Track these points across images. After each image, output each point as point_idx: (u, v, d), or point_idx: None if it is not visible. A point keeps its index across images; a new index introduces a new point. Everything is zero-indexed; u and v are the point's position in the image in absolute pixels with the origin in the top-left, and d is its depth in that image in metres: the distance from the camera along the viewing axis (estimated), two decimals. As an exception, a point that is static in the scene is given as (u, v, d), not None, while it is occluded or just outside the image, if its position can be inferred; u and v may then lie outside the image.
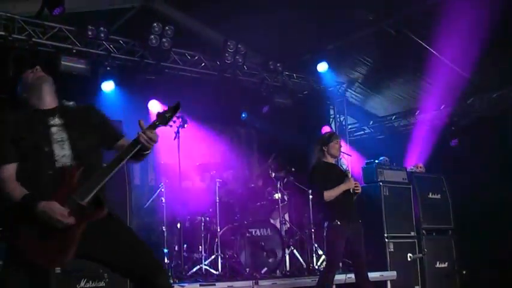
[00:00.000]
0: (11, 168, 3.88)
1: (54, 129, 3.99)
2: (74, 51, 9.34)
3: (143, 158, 4.12)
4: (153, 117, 4.04)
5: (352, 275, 8.94)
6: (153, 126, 3.98)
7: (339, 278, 8.71)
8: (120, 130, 4.40)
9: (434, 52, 10.23)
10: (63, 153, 3.95)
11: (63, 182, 3.86)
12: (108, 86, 9.89)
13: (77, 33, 9.39)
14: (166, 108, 4.08)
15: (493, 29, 8.94)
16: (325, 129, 12.31)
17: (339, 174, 7.43)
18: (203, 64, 10.82)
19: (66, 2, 8.57)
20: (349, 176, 7.36)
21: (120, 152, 3.96)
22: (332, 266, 7.26)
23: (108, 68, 9.87)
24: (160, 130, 4.01)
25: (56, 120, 4.05)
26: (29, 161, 3.89)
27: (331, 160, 7.59)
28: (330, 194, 7.20)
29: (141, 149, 3.96)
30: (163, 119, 4.04)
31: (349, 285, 8.97)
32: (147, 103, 10.39)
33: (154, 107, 10.42)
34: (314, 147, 7.72)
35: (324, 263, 7.55)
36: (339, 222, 7.08)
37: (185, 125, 8.67)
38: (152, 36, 9.61)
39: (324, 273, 7.41)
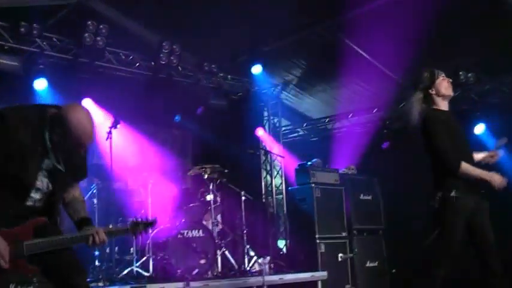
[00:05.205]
0: None
1: (41, 176, 3.92)
2: (6, 47, 9.15)
3: None
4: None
5: (286, 276, 9.08)
6: (116, 232, 4.21)
7: (271, 279, 8.76)
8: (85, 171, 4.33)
9: (367, 57, 10.42)
10: (37, 196, 3.95)
11: (23, 226, 3.85)
12: (40, 85, 9.68)
13: (10, 29, 9.19)
14: (143, 220, 4.20)
15: (425, 35, 9.16)
16: (259, 131, 12.45)
17: (459, 129, 5.57)
18: (138, 64, 10.74)
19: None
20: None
21: (72, 236, 4.07)
22: (447, 252, 5.51)
23: (41, 66, 9.63)
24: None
25: (50, 162, 3.94)
26: (4, 183, 3.81)
27: (444, 104, 5.62)
28: (468, 170, 5.29)
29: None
30: (134, 230, 4.17)
31: (284, 286, 9.03)
32: (81, 102, 10.25)
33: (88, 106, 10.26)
34: (410, 100, 5.77)
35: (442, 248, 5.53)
36: (459, 194, 5.33)
37: (118, 126, 8.62)
38: (86, 35, 9.48)
39: (436, 262, 5.57)
